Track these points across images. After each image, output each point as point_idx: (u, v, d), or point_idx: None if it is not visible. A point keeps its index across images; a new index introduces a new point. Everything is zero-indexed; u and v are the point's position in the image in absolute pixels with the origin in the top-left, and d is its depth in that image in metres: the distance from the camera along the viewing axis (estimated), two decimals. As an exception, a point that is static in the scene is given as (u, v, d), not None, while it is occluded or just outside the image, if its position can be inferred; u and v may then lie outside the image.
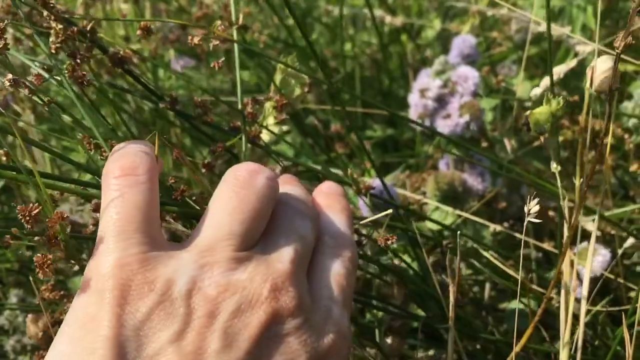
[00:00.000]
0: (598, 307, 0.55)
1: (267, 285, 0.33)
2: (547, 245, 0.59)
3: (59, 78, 0.40)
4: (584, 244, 0.56)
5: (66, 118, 0.44)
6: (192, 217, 0.41)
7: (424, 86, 0.60)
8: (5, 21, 0.37)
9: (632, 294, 0.61)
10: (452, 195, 0.62)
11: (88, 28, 0.40)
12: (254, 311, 0.32)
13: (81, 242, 0.41)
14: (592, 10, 0.78)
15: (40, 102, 0.39)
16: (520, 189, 0.68)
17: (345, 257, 0.38)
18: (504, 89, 0.75)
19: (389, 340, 0.56)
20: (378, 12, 0.92)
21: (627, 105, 0.64)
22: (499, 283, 0.63)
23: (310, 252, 0.37)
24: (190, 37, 0.39)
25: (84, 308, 0.31)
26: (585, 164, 0.40)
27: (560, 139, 0.72)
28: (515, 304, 0.58)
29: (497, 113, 0.78)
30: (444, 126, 0.60)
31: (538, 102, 0.43)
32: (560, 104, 0.35)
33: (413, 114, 0.63)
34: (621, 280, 0.57)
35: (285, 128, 0.43)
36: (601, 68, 0.35)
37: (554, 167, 0.38)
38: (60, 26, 0.40)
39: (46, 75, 0.40)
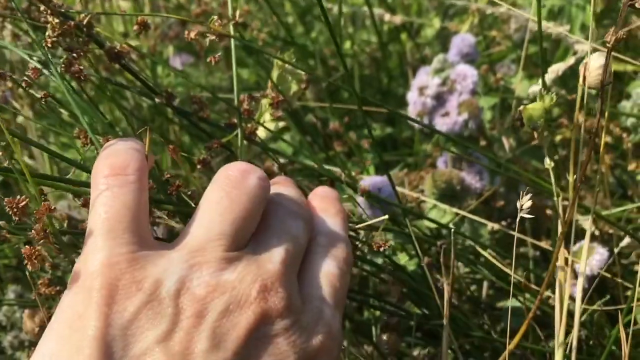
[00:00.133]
0: (594, 307, 0.55)
1: (257, 286, 0.32)
2: (544, 244, 0.59)
3: (54, 72, 0.39)
4: (582, 242, 0.56)
5: (64, 113, 0.44)
6: (188, 216, 0.41)
7: (423, 84, 0.60)
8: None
9: (629, 293, 0.61)
10: (450, 194, 0.62)
11: (85, 22, 0.40)
12: (242, 311, 0.32)
13: (78, 237, 0.41)
14: (592, 9, 0.77)
15: (36, 96, 0.39)
16: (518, 188, 0.68)
17: (340, 258, 0.38)
18: (503, 88, 0.75)
19: (385, 338, 0.56)
20: (378, 11, 0.92)
21: (626, 105, 0.64)
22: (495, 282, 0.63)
23: (302, 253, 0.37)
24: (187, 32, 0.39)
25: (72, 306, 0.31)
26: (580, 161, 0.40)
27: (558, 137, 0.72)
28: (511, 303, 0.58)
29: (495, 112, 0.78)
30: (442, 124, 0.60)
31: (535, 100, 0.43)
32: (554, 100, 0.35)
33: (412, 111, 0.63)
34: (618, 280, 0.57)
35: (281, 124, 0.43)
36: (595, 65, 0.35)
37: (548, 163, 0.38)
38: (56, 20, 0.40)
39: (44, 70, 0.40)
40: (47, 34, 0.40)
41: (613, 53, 0.36)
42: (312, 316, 0.34)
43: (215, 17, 0.39)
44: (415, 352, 0.62)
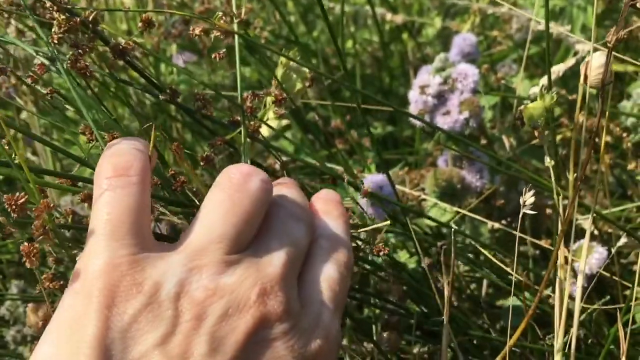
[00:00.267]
0: (595, 306, 0.55)
1: (256, 289, 0.32)
2: (544, 243, 0.60)
3: (60, 68, 0.40)
4: (582, 241, 0.56)
5: (69, 109, 0.44)
6: (191, 213, 0.41)
7: (424, 83, 0.60)
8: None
9: (628, 293, 0.61)
10: (451, 192, 0.62)
11: (90, 18, 0.41)
12: (241, 315, 0.32)
13: (82, 232, 0.41)
14: (593, 10, 0.78)
15: (41, 92, 0.40)
16: (518, 187, 0.69)
17: (340, 262, 0.37)
18: (504, 87, 0.75)
19: (385, 336, 0.57)
20: (379, 10, 0.93)
21: (626, 105, 0.64)
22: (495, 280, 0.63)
23: (303, 256, 0.37)
24: (192, 28, 0.39)
25: (71, 308, 0.31)
26: (580, 161, 0.41)
27: (559, 137, 0.73)
28: (511, 302, 0.59)
29: (496, 111, 0.78)
30: (443, 123, 0.61)
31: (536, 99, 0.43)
32: (554, 99, 0.36)
33: (413, 110, 0.63)
34: (617, 278, 0.57)
35: (284, 122, 0.43)
36: (595, 64, 0.35)
37: (548, 162, 0.38)
38: (62, 17, 0.40)
39: (49, 65, 0.40)
40: (53, 30, 0.41)
41: (614, 53, 0.36)
42: (310, 320, 0.34)
43: (220, 14, 0.39)
44: (415, 350, 0.62)
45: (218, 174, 0.37)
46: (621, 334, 0.44)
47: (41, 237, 0.36)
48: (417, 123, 0.60)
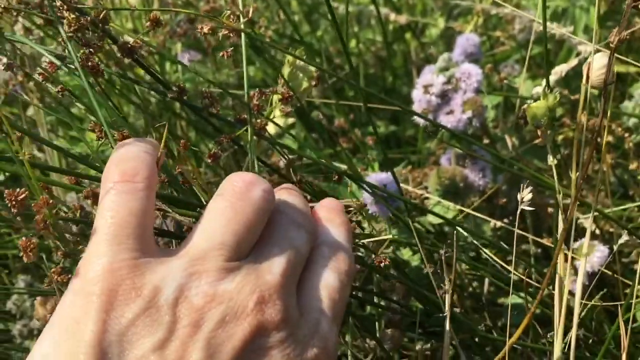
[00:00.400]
0: (593, 302, 0.56)
1: (254, 297, 0.32)
2: (545, 241, 0.60)
3: (72, 66, 0.40)
4: (584, 240, 0.57)
5: (77, 107, 0.45)
6: (196, 208, 0.42)
7: (428, 82, 0.61)
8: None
9: (629, 291, 0.62)
10: (454, 191, 0.63)
11: (100, 17, 0.41)
12: (238, 323, 0.32)
13: (88, 227, 0.42)
14: (596, 11, 0.79)
15: (53, 89, 0.40)
16: (520, 186, 0.69)
17: (341, 270, 0.37)
18: (507, 87, 0.75)
19: (388, 333, 0.57)
20: (383, 10, 0.93)
21: (628, 105, 0.65)
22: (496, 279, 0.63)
23: (304, 262, 0.37)
24: (199, 27, 0.40)
25: (70, 310, 0.31)
26: (582, 160, 0.41)
27: (561, 137, 0.73)
28: (511, 300, 0.59)
29: (499, 111, 0.79)
30: (446, 122, 0.61)
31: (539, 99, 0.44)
32: (557, 98, 0.36)
33: (417, 109, 0.64)
34: (618, 276, 0.58)
35: (290, 120, 0.44)
36: (597, 65, 0.36)
37: (551, 160, 0.39)
38: (72, 15, 0.41)
39: (59, 63, 0.40)
40: (63, 29, 0.42)
41: (616, 54, 0.37)
42: (308, 329, 0.34)
43: (228, 12, 0.40)
44: (417, 347, 0.63)
45: (222, 172, 0.37)
46: (622, 327, 0.44)
47: (43, 231, 0.36)
48: (421, 122, 0.61)
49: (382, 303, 0.56)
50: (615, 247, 0.56)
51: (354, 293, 0.53)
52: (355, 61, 0.99)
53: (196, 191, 0.42)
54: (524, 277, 0.56)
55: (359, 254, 0.49)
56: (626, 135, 0.65)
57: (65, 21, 0.41)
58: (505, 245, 0.59)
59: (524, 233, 0.59)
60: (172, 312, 0.31)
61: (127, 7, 0.88)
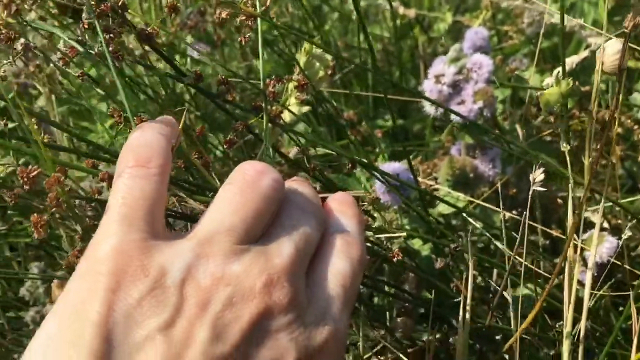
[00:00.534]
0: (602, 292, 0.56)
1: (262, 279, 0.32)
2: (554, 232, 0.61)
3: (92, 52, 0.41)
4: (592, 231, 0.57)
5: (98, 92, 0.46)
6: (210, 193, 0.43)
7: (439, 72, 0.61)
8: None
9: (637, 282, 0.62)
10: (464, 181, 0.63)
11: (119, 4, 0.42)
12: (245, 304, 0.32)
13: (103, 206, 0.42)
14: (604, 5, 0.79)
15: (72, 73, 0.41)
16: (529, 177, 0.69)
17: (353, 257, 0.37)
18: (515, 80, 0.76)
19: (400, 322, 0.58)
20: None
21: (637, 97, 0.65)
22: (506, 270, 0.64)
23: (313, 249, 0.37)
24: (218, 12, 0.40)
25: (77, 290, 0.32)
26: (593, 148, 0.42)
27: (570, 129, 0.73)
28: (521, 291, 0.60)
29: (506, 105, 0.79)
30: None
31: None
32: (570, 84, 0.37)
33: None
34: (627, 267, 0.58)
35: (305, 108, 0.44)
36: (611, 51, 0.36)
37: (564, 146, 0.39)
38: (93, 2, 0.41)
39: (81, 49, 0.41)
40: (83, 15, 0.42)
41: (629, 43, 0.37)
42: (317, 314, 0.34)
43: (245, -1, 0.40)
44: (424, 338, 0.63)
45: (231, 162, 0.38)
46: (633, 309, 0.45)
47: (55, 209, 0.37)
48: (431, 112, 0.61)
49: (393, 292, 0.57)
50: (623, 237, 0.56)
51: (364, 282, 0.53)
52: (363, 56, 0.99)
53: (208, 179, 0.43)
54: (533, 268, 0.57)
55: (370, 244, 0.49)
56: (635, 127, 0.65)
57: (84, 8, 0.42)
58: (515, 235, 0.59)
59: (533, 224, 0.60)
60: (179, 293, 0.31)
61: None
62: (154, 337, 0.30)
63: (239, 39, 0.42)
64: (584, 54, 0.58)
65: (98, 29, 0.40)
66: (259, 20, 0.44)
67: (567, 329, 0.46)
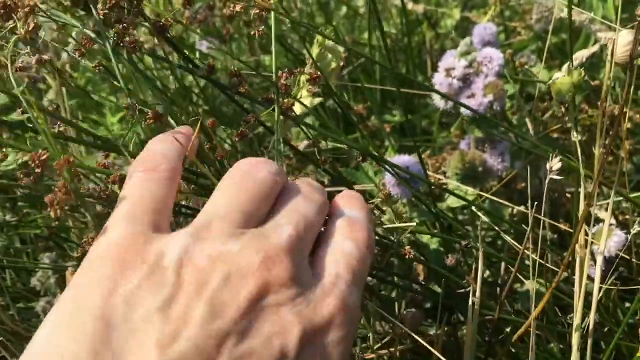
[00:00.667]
0: (610, 285, 0.56)
1: (260, 256, 0.32)
2: (563, 226, 0.61)
3: (106, 43, 0.41)
4: (600, 225, 0.57)
5: (107, 86, 0.46)
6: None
7: (450, 65, 0.62)
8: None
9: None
10: (473, 175, 0.63)
11: (134, -5, 0.42)
12: (243, 281, 0.31)
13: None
14: (613, 1, 0.79)
15: (89, 65, 0.41)
16: (539, 171, 0.70)
17: (359, 239, 0.37)
18: (523, 75, 0.76)
19: (409, 314, 0.58)
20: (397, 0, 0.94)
21: (646, 92, 0.65)
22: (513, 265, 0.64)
23: (314, 231, 0.36)
24: (232, 5, 0.41)
25: (82, 278, 0.32)
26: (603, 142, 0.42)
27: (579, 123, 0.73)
28: (529, 285, 0.60)
29: (515, 100, 0.79)
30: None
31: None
32: (582, 74, 0.37)
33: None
34: (635, 260, 0.58)
35: (317, 100, 0.44)
36: (622, 42, 0.36)
37: (575, 136, 0.40)
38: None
39: (99, 41, 0.41)
40: (98, 6, 0.43)
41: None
42: (323, 289, 0.34)
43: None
44: (432, 332, 0.63)
45: (240, 155, 0.39)
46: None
47: (64, 197, 0.38)
48: (441, 105, 0.62)
49: (401, 284, 0.57)
50: (632, 231, 0.56)
51: (372, 274, 0.54)
52: (371, 53, 1.00)
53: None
54: (542, 261, 0.57)
55: (379, 237, 0.50)
56: (644, 122, 0.65)
57: (100, -1, 0.42)
58: (525, 227, 0.60)
59: (542, 217, 0.60)
60: (177, 274, 0.31)
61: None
62: (152, 316, 0.30)
63: (252, 32, 0.42)
64: (593, 48, 0.59)
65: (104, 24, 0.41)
66: (272, 13, 0.45)
67: (577, 321, 0.46)
